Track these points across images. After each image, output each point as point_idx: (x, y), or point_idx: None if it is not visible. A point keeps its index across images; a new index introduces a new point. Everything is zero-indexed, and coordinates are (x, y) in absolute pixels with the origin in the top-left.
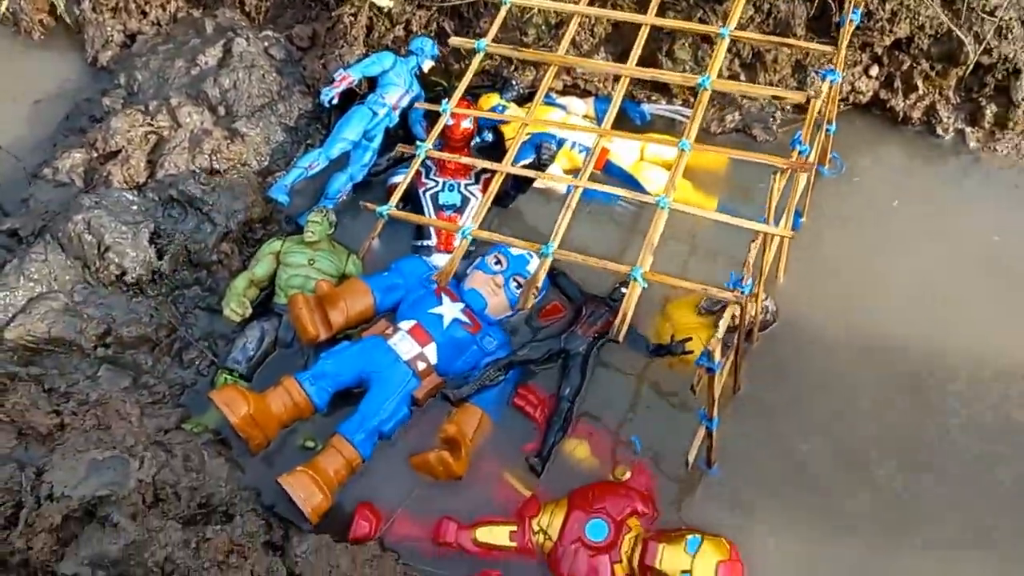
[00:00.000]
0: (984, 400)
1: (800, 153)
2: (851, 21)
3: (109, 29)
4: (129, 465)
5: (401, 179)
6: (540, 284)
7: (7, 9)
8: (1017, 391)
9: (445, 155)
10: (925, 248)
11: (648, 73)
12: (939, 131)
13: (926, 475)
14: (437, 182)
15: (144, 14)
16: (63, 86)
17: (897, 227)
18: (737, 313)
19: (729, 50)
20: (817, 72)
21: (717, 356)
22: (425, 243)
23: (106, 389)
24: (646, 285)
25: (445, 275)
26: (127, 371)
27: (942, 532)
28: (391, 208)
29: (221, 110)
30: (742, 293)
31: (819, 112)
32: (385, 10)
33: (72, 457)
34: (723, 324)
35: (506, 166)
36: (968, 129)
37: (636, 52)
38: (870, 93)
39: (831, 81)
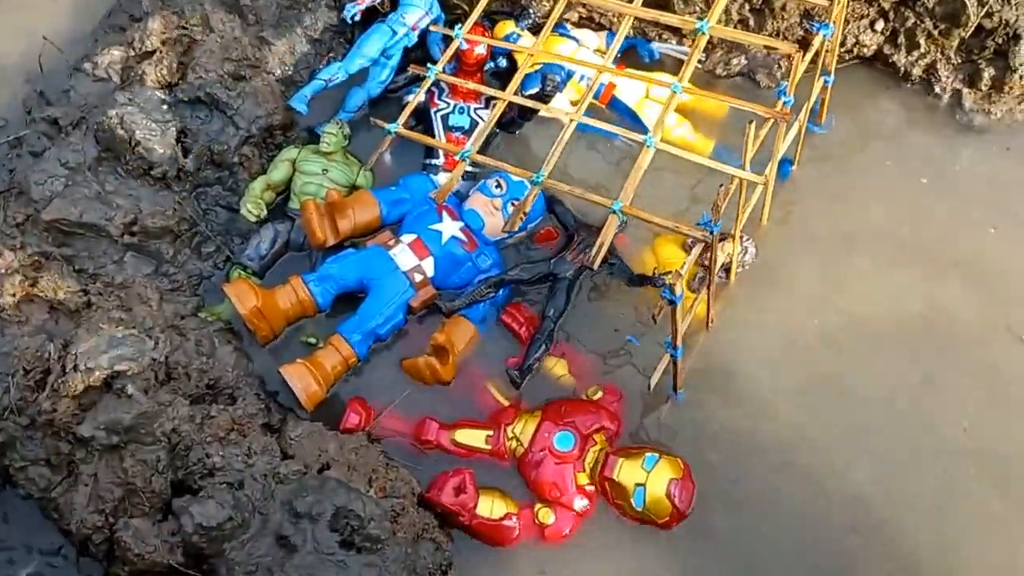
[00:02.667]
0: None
1: (784, 103)
2: None
3: None
4: (145, 344)
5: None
6: (528, 210)
7: None
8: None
9: (454, 79)
10: (908, 202)
11: (651, 14)
12: (937, 90)
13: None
14: (448, 104)
15: None
16: None
17: (885, 180)
18: (705, 251)
19: None
20: (810, 25)
21: (678, 289)
22: (433, 162)
23: (130, 274)
24: (624, 219)
25: (443, 193)
26: (150, 259)
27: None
28: (399, 126)
29: (251, 17)
30: (710, 232)
31: (815, 63)
32: None
33: (96, 333)
34: (690, 260)
35: (509, 95)
36: (965, 90)
37: None
38: (874, 47)
39: (824, 35)
